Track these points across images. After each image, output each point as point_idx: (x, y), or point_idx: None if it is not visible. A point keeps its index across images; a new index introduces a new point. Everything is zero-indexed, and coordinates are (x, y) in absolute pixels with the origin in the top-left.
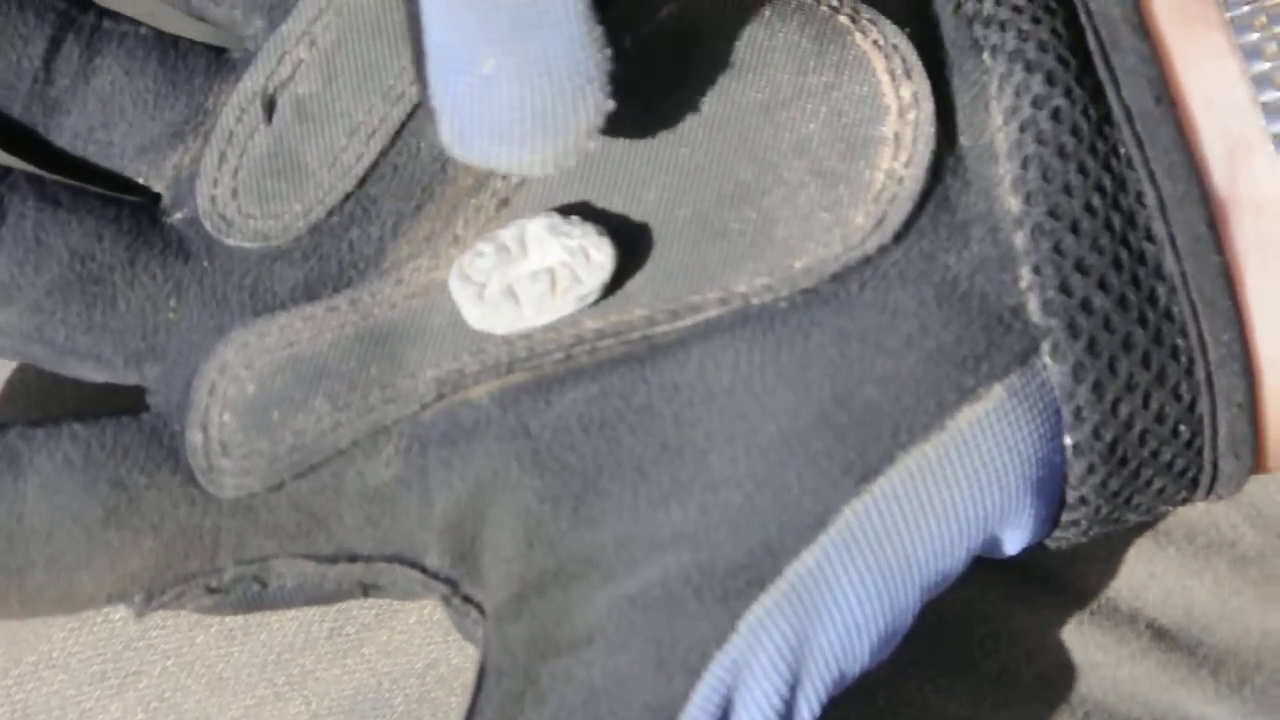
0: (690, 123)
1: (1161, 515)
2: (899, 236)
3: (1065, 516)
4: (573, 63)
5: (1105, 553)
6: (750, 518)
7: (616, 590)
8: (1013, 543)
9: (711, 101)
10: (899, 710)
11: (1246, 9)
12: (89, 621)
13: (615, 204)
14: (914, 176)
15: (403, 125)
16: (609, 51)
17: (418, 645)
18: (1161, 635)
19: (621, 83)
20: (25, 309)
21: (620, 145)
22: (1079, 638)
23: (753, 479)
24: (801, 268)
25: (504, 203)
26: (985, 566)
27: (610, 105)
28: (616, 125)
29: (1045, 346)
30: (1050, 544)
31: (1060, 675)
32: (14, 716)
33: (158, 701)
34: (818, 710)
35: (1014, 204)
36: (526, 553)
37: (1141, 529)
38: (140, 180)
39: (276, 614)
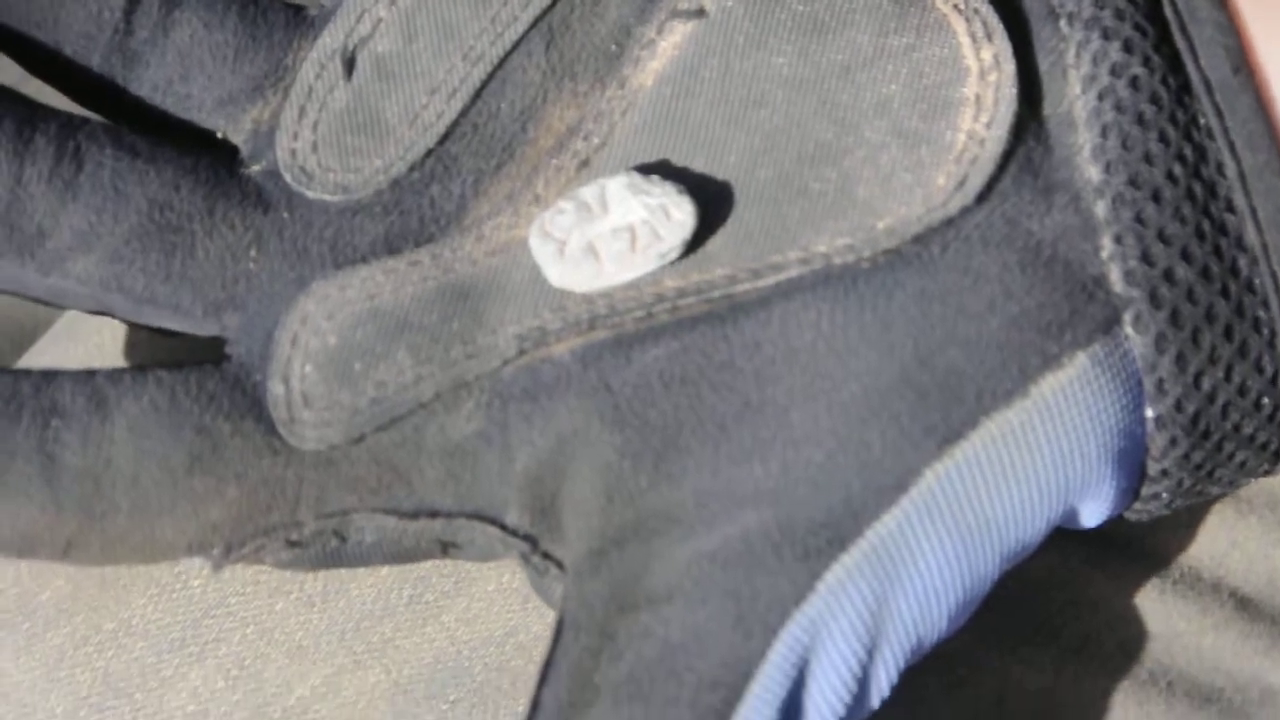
0: (770, 84)
1: (1242, 486)
2: (981, 198)
3: (1146, 489)
4: None
5: (1187, 521)
6: (832, 476)
7: (696, 546)
8: (1092, 514)
9: (792, 63)
10: (980, 680)
11: None
12: (169, 588)
13: (696, 165)
14: (995, 138)
15: (483, 85)
16: None
17: (497, 613)
18: (1244, 604)
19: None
20: (104, 257)
21: (700, 107)
22: (1161, 606)
23: (834, 437)
24: (883, 228)
25: (584, 163)
26: (1066, 534)
27: None
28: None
29: (1128, 317)
30: (1130, 516)
31: (1142, 644)
32: (94, 683)
33: (237, 669)
34: (895, 677)
35: (1094, 173)
36: (606, 508)
37: (1223, 497)
38: (218, 133)
39: (356, 581)
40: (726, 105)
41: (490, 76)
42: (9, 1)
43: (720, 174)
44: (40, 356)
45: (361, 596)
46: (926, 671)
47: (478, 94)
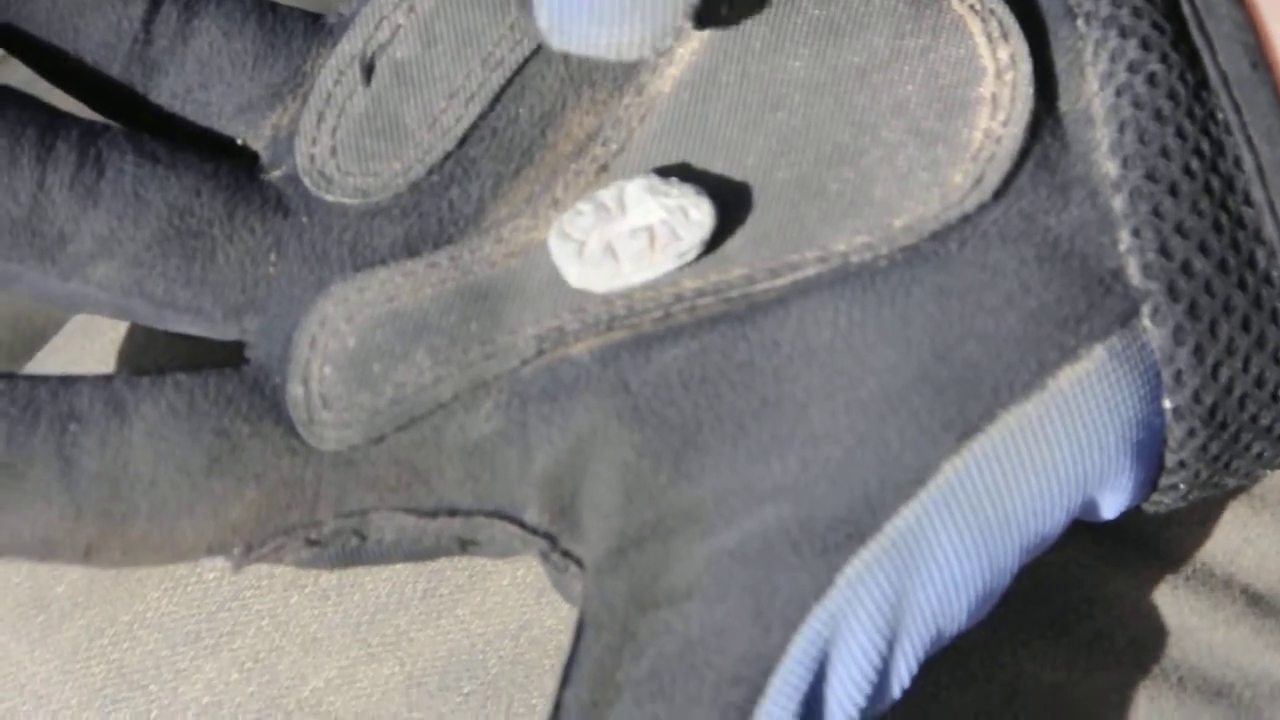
0: (788, 88)
1: (1258, 479)
2: (998, 195)
3: (1164, 480)
4: None
5: (1201, 517)
6: (850, 472)
7: (715, 543)
8: (1111, 506)
9: (808, 66)
10: (993, 674)
11: None
12: (184, 581)
13: (714, 169)
14: (1012, 135)
15: (502, 91)
16: None
17: (511, 606)
18: (1256, 600)
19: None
20: (125, 263)
21: (719, 112)
22: (1173, 602)
23: (853, 433)
24: (901, 226)
25: (603, 168)
26: (1081, 530)
27: None
28: (708, 15)
29: (1145, 309)
30: (1148, 508)
31: (1154, 640)
32: (109, 676)
33: (252, 662)
34: (915, 668)
35: (1112, 168)
36: (626, 507)
37: (1237, 494)
38: (238, 140)
39: (370, 574)
40: (744, 109)
41: (509, 82)
42: (29, 11)
43: (738, 176)
44: (55, 354)
45: (376, 590)
46: (939, 666)
47: (496, 99)
